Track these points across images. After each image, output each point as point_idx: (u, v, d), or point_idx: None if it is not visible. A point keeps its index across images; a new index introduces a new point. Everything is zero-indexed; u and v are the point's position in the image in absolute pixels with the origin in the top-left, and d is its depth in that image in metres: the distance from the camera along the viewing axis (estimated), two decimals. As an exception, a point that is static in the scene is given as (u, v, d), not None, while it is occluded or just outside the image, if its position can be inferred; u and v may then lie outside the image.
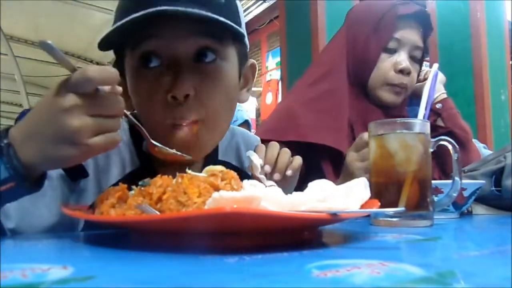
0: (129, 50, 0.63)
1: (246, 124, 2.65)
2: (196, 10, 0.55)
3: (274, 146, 0.69)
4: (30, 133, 0.47)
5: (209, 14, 0.55)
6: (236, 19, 0.61)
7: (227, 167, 0.53)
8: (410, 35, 1.02)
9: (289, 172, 0.67)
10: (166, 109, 0.61)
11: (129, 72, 0.64)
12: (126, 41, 0.63)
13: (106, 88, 0.46)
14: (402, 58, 1.01)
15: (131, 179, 0.53)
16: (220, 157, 0.76)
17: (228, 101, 0.65)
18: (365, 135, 0.83)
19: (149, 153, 0.62)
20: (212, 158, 0.71)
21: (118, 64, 0.67)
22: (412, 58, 1.03)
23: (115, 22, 0.60)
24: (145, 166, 0.68)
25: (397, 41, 1.01)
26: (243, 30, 0.62)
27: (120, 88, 0.47)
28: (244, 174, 0.63)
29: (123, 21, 0.56)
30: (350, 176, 0.82)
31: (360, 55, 1.03)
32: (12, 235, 0.61)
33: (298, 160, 0.70)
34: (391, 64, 1.02)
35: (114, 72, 0.46)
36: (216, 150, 0.75)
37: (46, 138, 0.46)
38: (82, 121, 0.44)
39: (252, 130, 5.45)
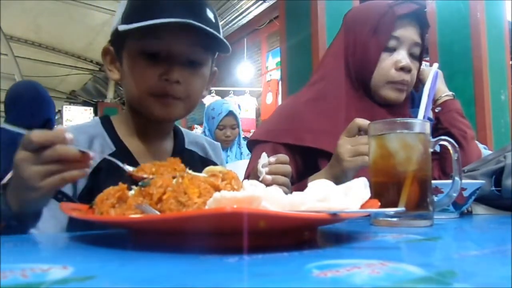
0: (135, 38, 0.77)
1: None
2: (205, 27, 0.73)
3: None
4: (12, 184, 0.59)
5: (213, 31, 0.74)
6: (220, 33, 0.79)
7: (193, 155, 0.92)
8: (409, 33, 1.04)
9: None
10: (157, 86, 0.77)
11: (130, 53, 0.79)
12: (135, 32, 0.75)
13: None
14: (402, 56, 1.03)
15: (109, 160, 0.72)
16: (186, 146, 0.92)
17: (198, 93, 0.85)
18: (358, 120, 0.86)
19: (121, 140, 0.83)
20: (180, 145, 0.91)
21: (116, 43, 0.81)
22: (411, 55, 1.06)
23: (132, 13, 0.76)
24: (120, 150, 0.83)
25: (397, 39, 1.03)
26: (228, 43, 0.79)
27: (65, 138, 0.55)
28: (209, 161, 0.94)
29: (151, 22, 0.71)
30: (337, 161, 0.86)
31: (361, 57, 1.05)
32: None
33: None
34: (392, 63, 1.03)
35: (55, 134, 0.56)
36: (183, 140, 0.92)
37: (15, 186, 0.58)
38: (29, 171, 0.55)
39: (252, 130, 5.46)
